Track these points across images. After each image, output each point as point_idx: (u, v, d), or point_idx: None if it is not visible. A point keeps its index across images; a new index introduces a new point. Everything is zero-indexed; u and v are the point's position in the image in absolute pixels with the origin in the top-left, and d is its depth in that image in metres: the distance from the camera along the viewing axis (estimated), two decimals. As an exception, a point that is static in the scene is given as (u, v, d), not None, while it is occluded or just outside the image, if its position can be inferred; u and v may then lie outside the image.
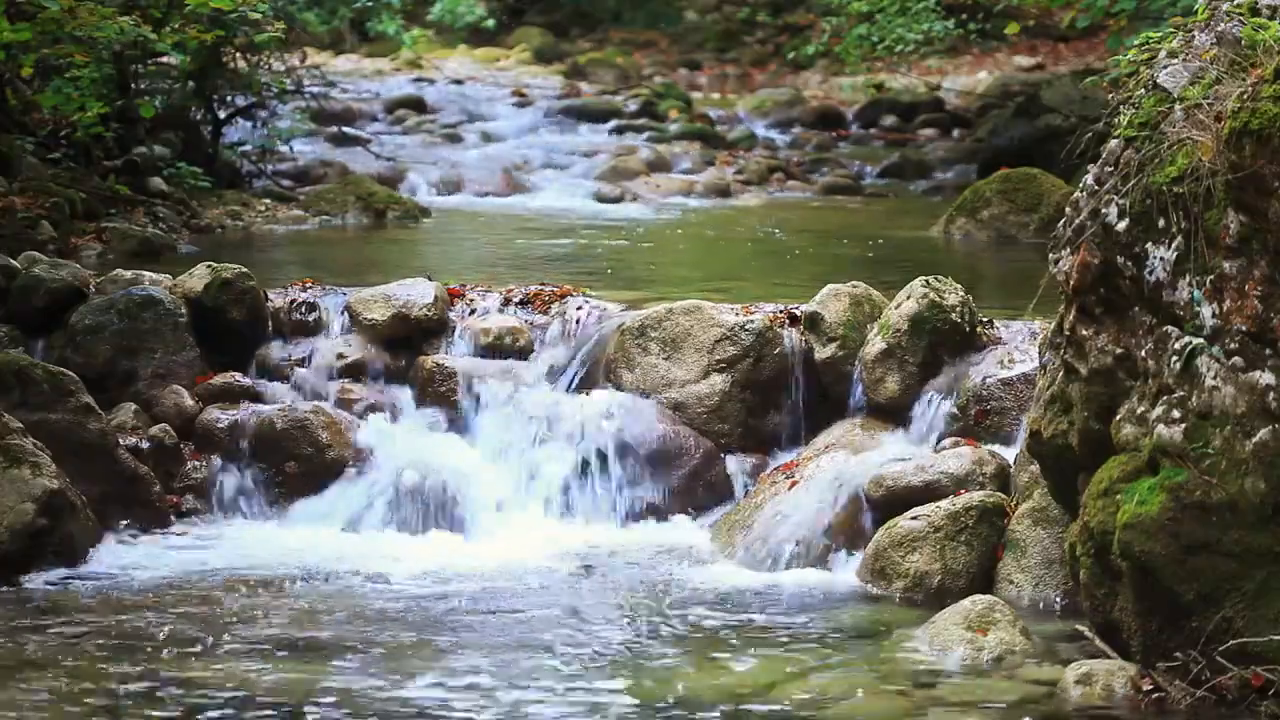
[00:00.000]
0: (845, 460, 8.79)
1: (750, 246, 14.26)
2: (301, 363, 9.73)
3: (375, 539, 8.85)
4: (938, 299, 9.07)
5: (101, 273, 10.10)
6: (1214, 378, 6.40)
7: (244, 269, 9.88)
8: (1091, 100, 14.84)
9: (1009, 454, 8.42)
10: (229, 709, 6.41)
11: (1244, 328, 6.33)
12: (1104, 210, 6.79)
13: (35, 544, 8.23)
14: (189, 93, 15.37)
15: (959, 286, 9.19)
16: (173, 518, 9.05)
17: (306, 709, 6.41)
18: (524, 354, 9.71)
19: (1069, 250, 7.01)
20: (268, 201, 15.02)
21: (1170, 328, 6.59)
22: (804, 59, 24.70)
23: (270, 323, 9.88)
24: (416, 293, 9.84)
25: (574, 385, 9.50)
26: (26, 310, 9.66)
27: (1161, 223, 6.58)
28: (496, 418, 9.40)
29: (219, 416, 9.35)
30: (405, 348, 9.76)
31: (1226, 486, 6.34)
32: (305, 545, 8.69)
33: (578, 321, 9.78)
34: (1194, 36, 6.74)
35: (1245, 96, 6.28)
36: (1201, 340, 6.45)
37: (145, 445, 9.15)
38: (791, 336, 9.39)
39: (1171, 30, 6.94)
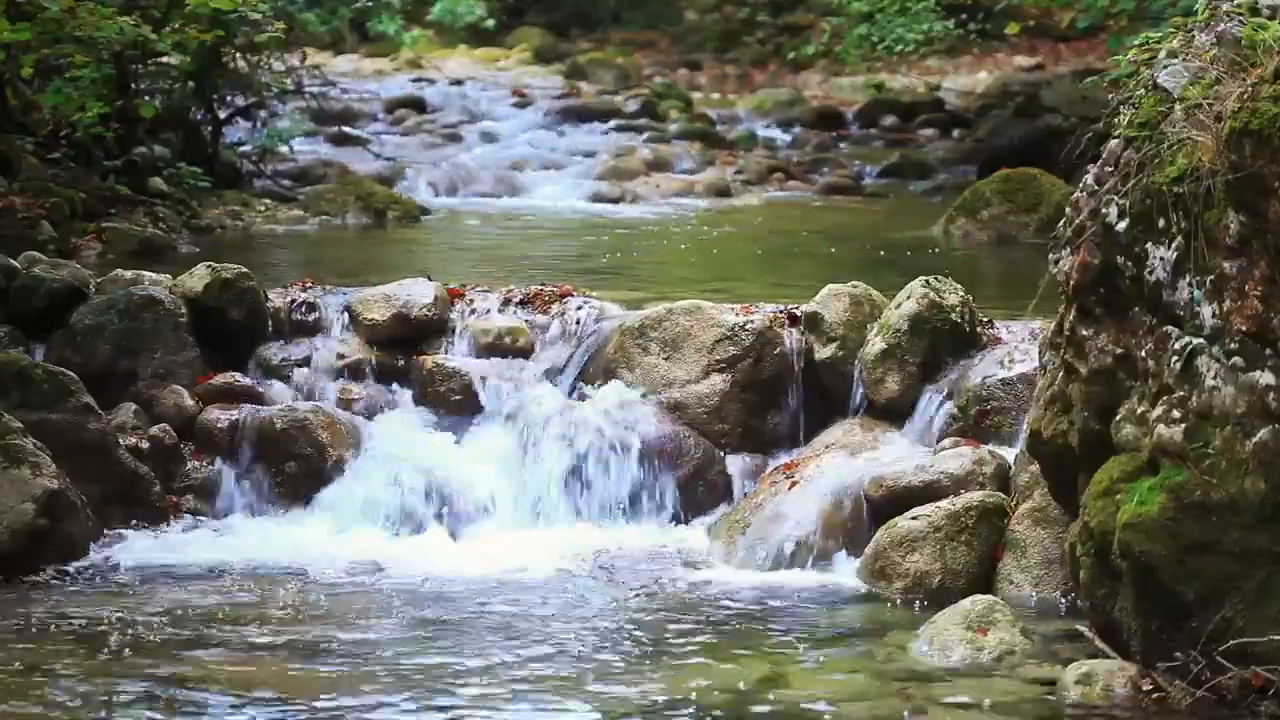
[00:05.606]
0: (845, 460, 8.79)
1: (750, 246, 14.26)
2: (301, 363, 9.72)
3: (374, 539, 8.83)
4: (938, 299, 9.06)
5: (101, 273, 10.09)
6: (1214, 378, 6.39)
7: (244, 269, 9.88)
8: (1091, 100, 14.83)
9: (1009, 454, 8.41)
10: (228, 709, 6.41)
11: (1244, 328, 6.32)
12: (1104, 210, 6.79)
13: (35, 544, 8.23)
14: (189, 93, 15.37)
15: (959, 286, 9.18)
16: (173, 518, 9.04)
17: (306, 709, 6.41)
18: (524, 354, 9.71)
19: (1069, 250, 7.01)
20: (268, 201, 15.03)
21: (1170, 328, 6.58)
22: (804, 59, 24.75)
23: (270, 323, 9.86)
24: (416, 293, 9.84)
25: (574, 385, 9.49)
26: (26, 310, 9.65)
27: (1161, 223, 6.57)
28: (496, 418, 9.40)
29: (219, 416, 9.34)
30: (405, 348, 9.75)
31: (1226, 486, 6.34)
32: (305, 545, 8.68)
33: (578, 321, 9.78)
34: (1194, 36, 6.73)
35: (1245, 97, 6.27)
36: (1201, 340, 6.45)
37: (145, 445, 9.14)
38: (791, 336, 9.38)
39: (1171, 30, 6.93)
